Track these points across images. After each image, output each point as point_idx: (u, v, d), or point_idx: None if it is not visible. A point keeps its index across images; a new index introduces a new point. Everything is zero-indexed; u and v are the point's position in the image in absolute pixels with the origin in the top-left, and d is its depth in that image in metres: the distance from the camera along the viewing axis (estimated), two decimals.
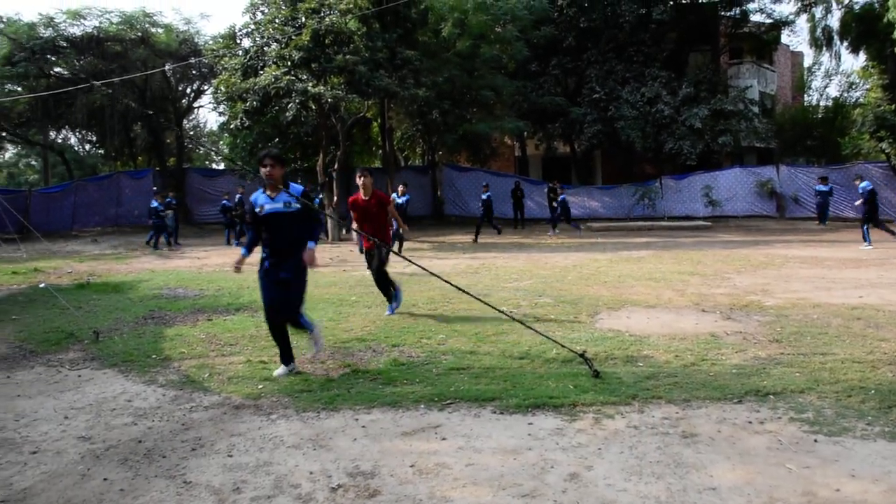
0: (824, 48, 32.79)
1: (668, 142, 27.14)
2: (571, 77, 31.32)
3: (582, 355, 6.24)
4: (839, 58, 38.26)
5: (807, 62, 40.75)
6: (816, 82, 37.86)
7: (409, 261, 6.84)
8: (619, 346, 7.10)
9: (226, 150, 40.70)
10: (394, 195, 18.14)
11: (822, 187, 24.57)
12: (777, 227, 24.41)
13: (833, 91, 53.15)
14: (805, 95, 38.69)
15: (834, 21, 31.88)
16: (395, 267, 9.43)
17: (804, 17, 32.19)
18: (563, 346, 6.57)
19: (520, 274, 13.22)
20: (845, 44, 31.12)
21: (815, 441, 4.44)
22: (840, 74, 40.48)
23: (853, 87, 35.60)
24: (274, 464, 4.36)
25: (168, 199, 22.99)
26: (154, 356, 7.35)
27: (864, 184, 17.41)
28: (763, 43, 33.77)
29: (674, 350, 6.83)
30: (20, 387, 6.45)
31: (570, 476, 4.02)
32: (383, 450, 4.53)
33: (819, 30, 32.06)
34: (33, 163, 51.62)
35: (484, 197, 24.11)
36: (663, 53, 30.02)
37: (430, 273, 6.60)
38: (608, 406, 5.20)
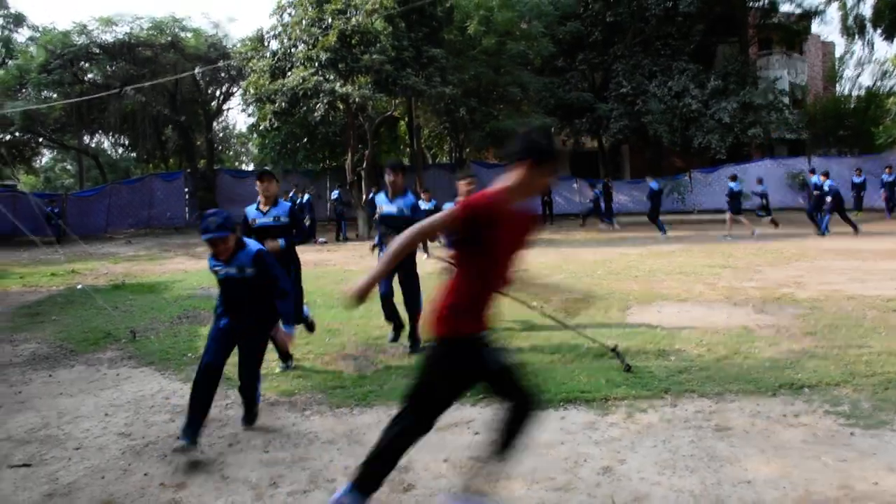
0: (856, 36, 32.25)
1: (697, 136, 26.86)
2: (598, 72, 31.14)
3: (613, 350, 6.24)
4: (872, 46, 37.69)
5: (838, 51, 40.09)
6: (848, 71, 37.28)
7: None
8: (650, 340, 7.08)
9: (255, 152, 41.19)
10: (420, 201, 17.91)
11: (857, 179, 24.25)
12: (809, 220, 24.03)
13: (866, 80, 52.29)
14: (837, 85, 38.07)
15: (866, 9, 31.35)
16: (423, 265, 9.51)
17: (835, 5, 31.72)
18: (594, 341, 6.57)
19: (549, 269, 13.19)
20: (878, 31, 30.57)
21: (852, 434, 4.40)
22: (873, 63, 39.86)
23: (887, 75, 34.96)
24: (309, 459, 4.43)
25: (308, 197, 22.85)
26: (189, 354, 7.47)
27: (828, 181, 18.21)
28: (793, 33, 33.27)
29: (706, 344, 6.80)
30: (62, 385, 6.60)
31: (604, 469, 4.04)
32: (417, 445, 4.57)
33: (851, 18, 31.53)
34: (69, 167, 52.55)
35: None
36: (690, 46, 29.69)
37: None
38: (640, 400, 5.20)
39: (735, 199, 19.01)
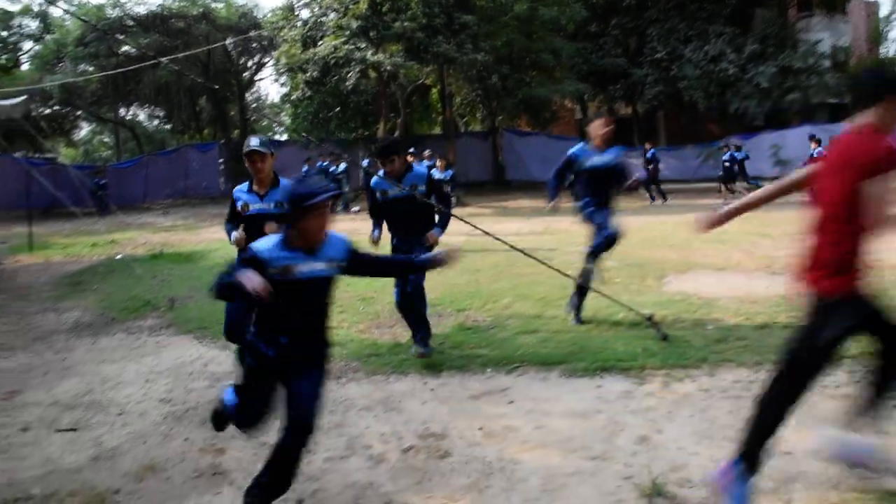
0: None
1: (734, 101, 26.28)
2: (632, 37, 30.54)
3: (649, 319, 6.19)
4: None
5: (883, 11, 38.87)
6: (893, 32, 36.08)
7: (473, 225, 6.85)
8: (687, 309, 7.02)
9: (288, 121, 41.30)
10: (434, 171, 17.27)
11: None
12: None
13: None
14: (881, 47, 36.90)
15: None
16: (454, 236, 9.39)
17: None
18: (630, 310, 6.52)
19: (584, 238, 13.07)
20: None
21: (894, 407, 4.32)
22: None
23: None
24: (346, 426, 4.48)
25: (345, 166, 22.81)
26: None
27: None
28: None
29: (744, 313, 6.71)
30: (104, 352, 6.75)
31: (640, 439, 4.02)
32: (452, 412, 4.60)
33: None
34: (106, 139, 53.18)
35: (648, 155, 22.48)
36: (727, 9, 28.89)
37: (493, 236, 6.60)
38: (677, 369, 5.16)
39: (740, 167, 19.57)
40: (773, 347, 5.51)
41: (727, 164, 19.84)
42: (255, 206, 5.19)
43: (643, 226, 14.46)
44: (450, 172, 17.27)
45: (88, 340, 7.24)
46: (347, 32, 21.17)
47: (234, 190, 5.42)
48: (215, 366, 6.03)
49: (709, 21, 27.90)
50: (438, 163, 17.50)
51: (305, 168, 23.30)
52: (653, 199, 20.75)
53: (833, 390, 4.64)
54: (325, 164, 22.75)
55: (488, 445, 4.06)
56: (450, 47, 21.12)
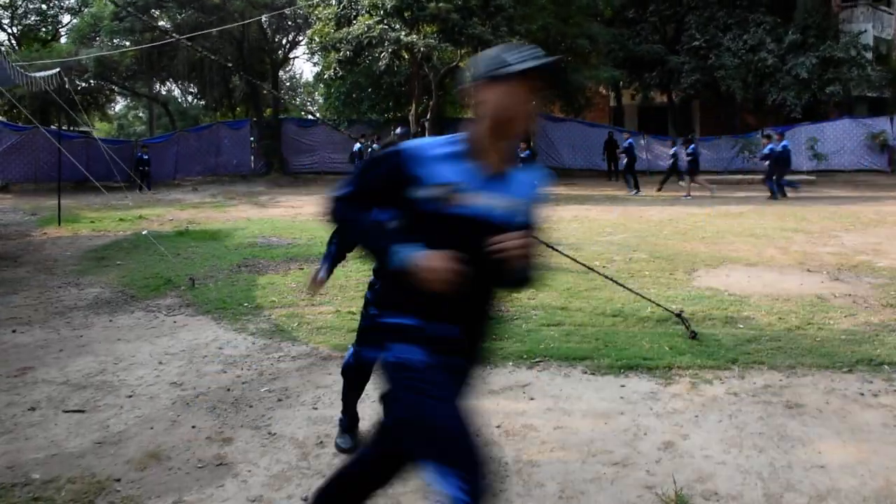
0: None
1: (772, 92, 25.65)
2: (670, 24, 29.91)
3: (678, 315, 5.95)
4: None
5: None
6: None
7: None
8: (717, 305, 6.77)
9: (320, 101, 41.22)
10: None
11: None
12: (889, 183, 22.84)
13: None
14: None
15: None
16: None
17: None
18: (658, 305, 6.29)
19: (613, 227, 12.84)
20: None
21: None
22: None
23: None
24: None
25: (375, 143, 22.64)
26: (246, 304, 7.47)
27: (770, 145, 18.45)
28: None
29: (777, 312, 6.45)
30: (120, 331, 6.67)
31: (665, 445, 3.82)
32: (470, 407, 4.42)
33: None
34: (141, 115, 53.62)
35: (626, 144, 22.32)
36: None
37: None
38: (706, 370, 4.94)
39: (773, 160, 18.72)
40: (807, 350, 5.28)
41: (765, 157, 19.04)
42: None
43: (673, 217, 14.16)
44: (364, 144, 16.73)
45: (106, 318, 7.17)
46: (382, 12, 20.93)
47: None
48: (231, 349, 5.92)
49: (749, 9, 27.23)
50: None
51: (358, 146, 22.80)
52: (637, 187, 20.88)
53: (871, 398, 4.39)
54: (359, 146, 22.47)
55: (506, 445, 3.88)
56: (484, 30, 20.79)
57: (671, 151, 22.04)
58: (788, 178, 19.43)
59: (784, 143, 19.16)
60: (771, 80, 25.85)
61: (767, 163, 18.63)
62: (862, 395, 4.47)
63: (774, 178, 18.53)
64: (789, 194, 18.35)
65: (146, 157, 26.10)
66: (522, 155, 16.58)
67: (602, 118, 34.67)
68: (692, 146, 19.60)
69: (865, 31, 30.74)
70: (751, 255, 9.51)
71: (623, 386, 4.71)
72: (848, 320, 6.17)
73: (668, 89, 30.04)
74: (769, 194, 18.25)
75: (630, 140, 21.69)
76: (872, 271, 8.31)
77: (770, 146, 18.52)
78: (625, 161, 21.17)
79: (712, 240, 10.99)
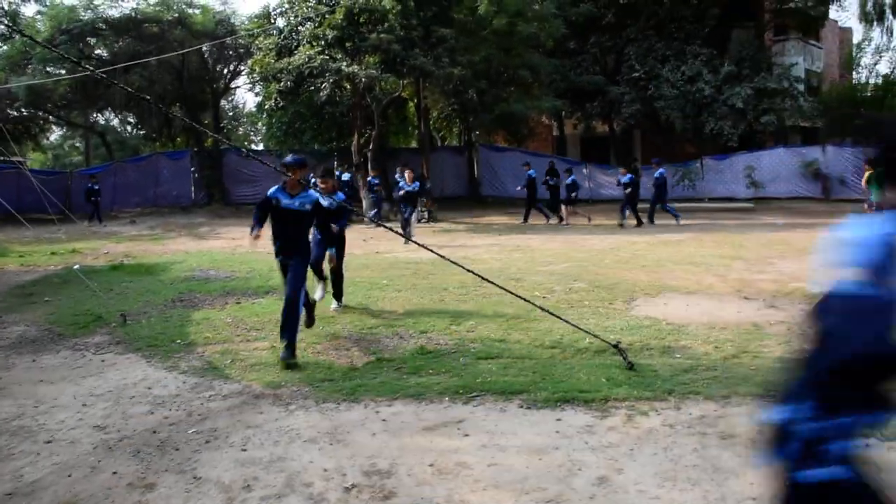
0: (875, 23, 31.50)
1: (709, 122, 26.35)
2: (610, 55, 30.58)
3: (616, 346, 5.95)
4: (891, 33, 36.61)
5: (856, 38, 39.28)
6: (866, 59, 36.40)
7: (426, 247, 6.61)
8: (655, 335, 6.80)
9: (263, 130, 40.85)
10: (401, 181, 17.08)
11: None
12: (822, 209, 23.58)
13: (884, 68, 51.19)
14: (854, 73, 37.30)
15: None
16: (416, 252, 8.98)
17: None
18: (595, 336, 6.28)
19: (555, 257, 12.90)
20: None
21: (867, 446, 4.10)
22: (892, 51, 38.97)
23: None
24: (288, 459, 4.19)
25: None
26: (179, 341, 7.25)
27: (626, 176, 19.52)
28: (810, 19, 32.53)
29: (714, 341, 6.51)
30: (44, 371, 6.39)
31: (599, 480, 3.77)
32: (403, 446, 4.32)
33: (870, 3, 30.80)
34: (77, 144, 52.32)
35: (528, 175, 22.30)
36: (705, 30, 29.04)
37: (449, 261, 6.34)
38: (642, 402, 4.93)
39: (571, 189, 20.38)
40: (742, 379, 5.32)
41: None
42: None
43: (615, 245, 14.32)
44: (416, 185, 16.81)
45: (29, 358, 6.87)
46: (323, 43, 20.88)
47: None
48: (160, 388, 5.70)
49: (686, 42, 28.02)
50: (407, 175, 16.93)
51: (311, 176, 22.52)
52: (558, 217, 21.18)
53: None
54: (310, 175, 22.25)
55: (438, 485, 3.79)
56: (426, 60, 20.88)
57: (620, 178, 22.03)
58: (673, 205, 20.57)
59: (661, 170, 20.13)
60: (708, 110, 26.55)
61: (628, 191, 19.46)
62: None
63: (658, 204, 19.73)
64: (681, 222, 19.07)
65: (97, 187, 25.50)
66: (410, 187, 16.51)
67: (545, 147, 35.15)
68: (629, 175, 19.83)
69: (797, 63, 31.93)
70: (690, 284, 9.63)
71: (559, 420, 4.66)
72: (782, 348, 6.24)
73: (610, 119, 30.62)
74: (619, 222, 19.30)
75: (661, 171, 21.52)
76: (807, 298, 8.47)
77: (629, 175, 19.53)
78: (627, 192, 20.61)
79: (652, 268, 11.12)
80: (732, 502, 3.48)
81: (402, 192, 16.87)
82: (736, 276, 10.11)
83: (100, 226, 23.37)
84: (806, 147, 28.71)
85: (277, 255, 6.70)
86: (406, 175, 16.83)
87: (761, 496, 3.52)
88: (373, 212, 21.70)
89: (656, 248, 13.66)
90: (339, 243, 8.31)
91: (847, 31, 41.80)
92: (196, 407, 5.21)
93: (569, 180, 20.32)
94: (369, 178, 22.87)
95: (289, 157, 6.82)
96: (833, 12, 33.99)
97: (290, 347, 6.25)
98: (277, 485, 3.84)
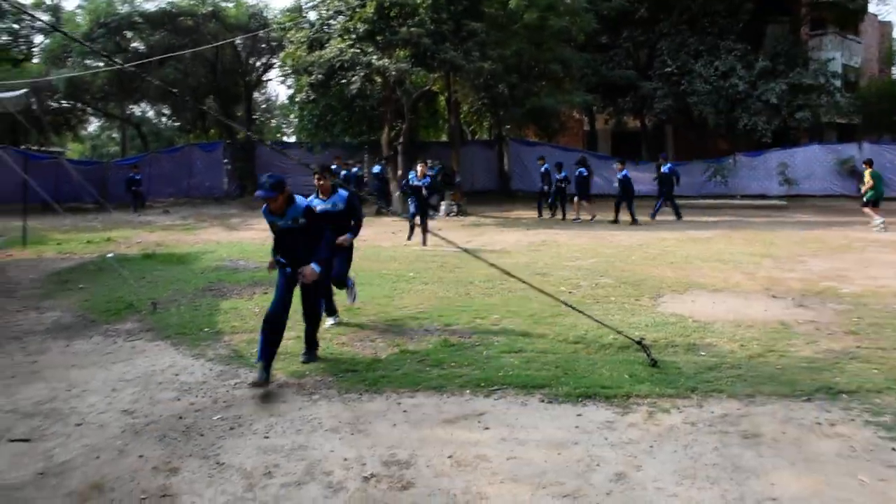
0: None
1: (743, 118, 26.01)
2: (642, 50, 30.30)
3: (639, 342, 5.92)
4: None
5: None
6: None
7: (447, 240, 6.63)
8: (680, 332, 6.75)
9: (295, 123, 41.14)
10: (411, 175, 16.45)
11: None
12: (857, 208, 23.20)
13: None
14: (894, 68, 36.54)
15: None
16: (444, 245, 8.98)
17: None
18: (619, 332, 6.26)
19: (583, 252, 12.85)
20: None
21: (894, 449, 4.05)
22: None
23: None
24: (309, 448, 4.24)
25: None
26: (207, 329, 7.36)
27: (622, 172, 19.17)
28: (848, 13, 31.91)
29: (739, 339, 6.45)
30: (77, 356, 6.53)
31: (617, 476, 3.77)
32: (422, 438, 4.36)
33: None
34: (114, 135, 53.11)
35: (542, 170, 21.86)
36: (739, 25, 28.63)
37: (474, 255, 6.36)
38: (664, 399, 4.91)
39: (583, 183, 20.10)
40: (767, 378, 5.27)
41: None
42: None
43: (643, 242, 14.22)
44: (426, 180, 16.12)
45: (63, 343, 7.02)
46: (354, 36, 20.95)
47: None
48: (187, 375, 5.81)
49: (720, 37, 27.67)
50: (420, 168, 16.33)
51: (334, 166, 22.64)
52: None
53: (828, 428, 4.38)
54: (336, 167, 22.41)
55: (456, 476, 3.82)
56: (457, 55, 20.86)
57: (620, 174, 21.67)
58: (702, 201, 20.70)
59: (669, 165, 20.31)
60: (742, 106, 26.21)
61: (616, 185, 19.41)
62: (819, 424, 4.46)
63: (665, 198, 19.78)
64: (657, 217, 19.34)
65: (138, 177, 25.77)
66: (420, 182, 15.83)
67: (576, 142, 34.97)
68: (625, 172, 19.51)
69: (834, 58, 31.34)
70: (717, 281, 9.54)
71: (580, 415, 4.67)
72: (810, 347, 6.17)
73: (642, 114, 30.36)
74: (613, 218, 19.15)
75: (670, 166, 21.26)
76: (837, 297, 8.35)
77: (625, 172, 19.21)
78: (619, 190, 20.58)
79: (680, 265, 11.03)
80: (752, 502, 3.46)
81: (407, 186, 16.40)
82: (765, 274, 9.99)
83: (134, 215, 23.72)
84: (842, 144, 28.24)
85: (286, 268, 6.02)
86: (418, 169, 16.25)
87: (781, 497, 3.50)
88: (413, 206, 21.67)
89: (685, 245, 13.54)
90: (345, 254, 7.44)
91: (887, 26, 41.00)
92: (221, 394, 5.29)
93: (620, 175, 19.63)
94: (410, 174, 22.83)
95: (264, 178, 5.93)
96: (873, 6, 33.33)
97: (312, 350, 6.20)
98: (298, 472, 3.90)
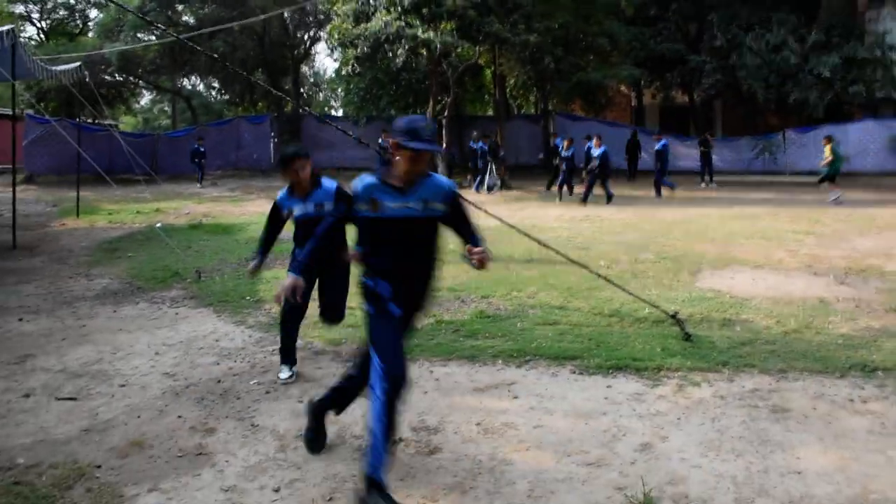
0: None
1: (794, 92, 25.28)
2: (691, 23, 29.63)
3: (673, 316, 5.91)
4: None
5: None
6: None
7: (487, 212, 6.66)
8: (717, 307, 6.71)
9: (342, 96, 41.37)
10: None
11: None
12: None
13: None
14: None
15: None
16: (485, 219, 8.96)
17: None
18: (654, 306, 6.25)
19: (624, 227, 12.76)
20: None
21: None
22: None
23: None
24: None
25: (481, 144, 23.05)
26: (248, 297, 7.54)
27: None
28: None
29: (776, 315, 6.38)
30: (123, 321, 6.76)
31: (642, 446, 3.81)
32: (452, 405, 4.44)
33: None
34: (166, 108, 54.08)
35: (566, 154, 20.17)
36: None
37: (513, 228, 6.39)
38: (695, 372, 4.91)
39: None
40: (801, 354, 5.23)
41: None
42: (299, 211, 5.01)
43: (686, 218, 14.05)
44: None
45: (111, 308, 7.28)
46: (399, 9, 20.92)
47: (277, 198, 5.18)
48: (227, 341, 5.99)
49: (772, 9, 26.85)
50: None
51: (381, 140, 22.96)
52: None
53: (860, 405, 4.34)
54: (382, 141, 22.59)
55: (482, 443, 3.89)
56: (502, 27, 20.71)
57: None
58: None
59: (663, 141, 20.13)
60: (793, 80, 25.48)
61: (593, 165, 18.54)
62: (851, 401, 4.42)
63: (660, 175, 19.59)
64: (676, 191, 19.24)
65: (202, 149, 25.69)
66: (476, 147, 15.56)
67: (623, 118, 34.48)
68: (602, 148, 18.86)
69: (892, 31, 30.20)
70: (758, 258, 9.40)
71: (609, 387, 4.70)
72: (848, 325, 6.09)
73: (690, 89, 29.78)
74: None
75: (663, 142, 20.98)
76: (881, 275, 8.18)
77: (602, 148, 18.28)
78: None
79: (722, 241, 10.88)
80: (776, 475, 3.47)
81: None
82: (808, 252, 9.81)
83: (198, 186, 24.12)
84: None
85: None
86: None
87: (806, 470, 3.50)
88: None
89: (728, 222, 13.33)
90: (342, 277, 5.20)
91: None
92: (259, 360, 5.45)
93: (599, 152, 18.65)
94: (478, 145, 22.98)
95: (290, 148, 5.18)
96: None
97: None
98: (329, 434, 4.01)
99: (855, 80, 24.76)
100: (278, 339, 5.18)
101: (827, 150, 17.45)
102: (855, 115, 28.39)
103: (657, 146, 20.04)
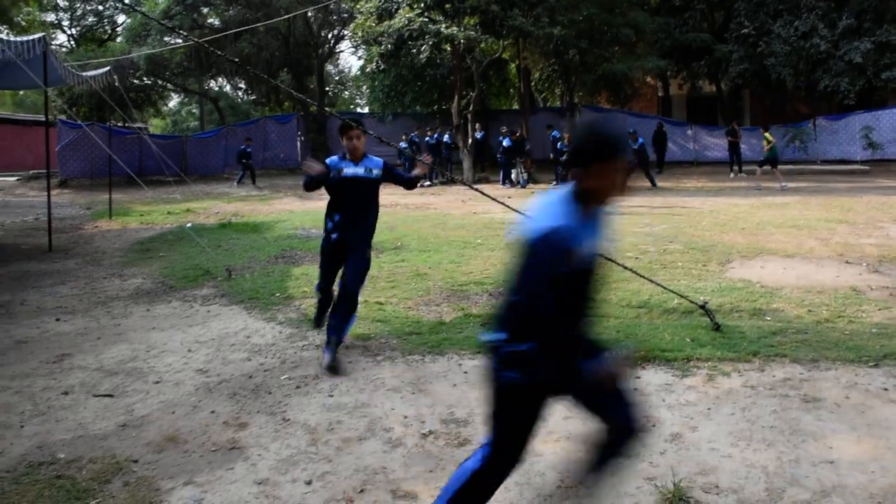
0: None
1: (824, 79, 24.87)
2: (718, 11, 29.27)
3: (702, 306, 5.87)
4: None
5: None
6: None
7: (504, 204, 6.65)
8: (747, 297, 6.65)
9: (367, 94, 41.54)
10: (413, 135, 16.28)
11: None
12: None
13: None
14: None
15: None
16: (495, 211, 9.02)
17: None
18: (682, 297, 6.22)
19: (653, 218, 12.68)
20: None
21: None
22: None
23: None
24: (371, 406, 4.41)
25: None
26: (278, 294, 7.62)
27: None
28: None
29: (807, 304, 6.32)
30: (156, 320, 6.87)
31: (672, 436, 3.80)
32: (481, 397, 4.46)
33: None
34: (194, 110, 54.70)
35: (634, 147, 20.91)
36: None
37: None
38: (725, 362, 4.88)
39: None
40: (833, 344, 5.17)
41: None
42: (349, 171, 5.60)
43: (715, 207, 13.93)
44: (436, 136, 16.39)
45: (144, 307, 7.40)
46: (422, 5, 20.98)
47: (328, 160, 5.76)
48: (258, 338, 6.06)
49: None
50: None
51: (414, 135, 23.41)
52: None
53: (894, 394, 4.29)
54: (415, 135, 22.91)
55: None
56: (525, 21, 20.68)
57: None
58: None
59: (640, 140, 21.20)
60: (823, 67, 25.07)
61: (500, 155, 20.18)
62: (885, 390, 4.37)
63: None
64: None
65: (249, 149, 25.50)
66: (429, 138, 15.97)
67: (650, 109, 34.21)
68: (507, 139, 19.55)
69: None
70: (789, 247, 9.30)
71: (638, 377, 4.69)
72: (881, 313, 6.01)
73: (717, 78, 29.44)
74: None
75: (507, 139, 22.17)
76: None
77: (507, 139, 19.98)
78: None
79: (752, 231, 10.78)
80: (807, 465, 3.45)
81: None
82: (840, 240, 9.68)
83: (253, 187, 24.09)
84: None
85: (334, 231, 5.54)
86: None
87: (838, 460, 3.47)
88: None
89: (758, 211, 13.19)
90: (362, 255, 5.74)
91: None
92: (290, 355, 5.52)
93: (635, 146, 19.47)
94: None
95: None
96: None
97: (334, 350, 5.23)
98: (360, 428, 4.06)
99: (888, 66, 24.28)
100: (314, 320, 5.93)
101: (767, 136, 19.41)
102: (888, 101, 27.88)
103: (635, 146, 20.21)
